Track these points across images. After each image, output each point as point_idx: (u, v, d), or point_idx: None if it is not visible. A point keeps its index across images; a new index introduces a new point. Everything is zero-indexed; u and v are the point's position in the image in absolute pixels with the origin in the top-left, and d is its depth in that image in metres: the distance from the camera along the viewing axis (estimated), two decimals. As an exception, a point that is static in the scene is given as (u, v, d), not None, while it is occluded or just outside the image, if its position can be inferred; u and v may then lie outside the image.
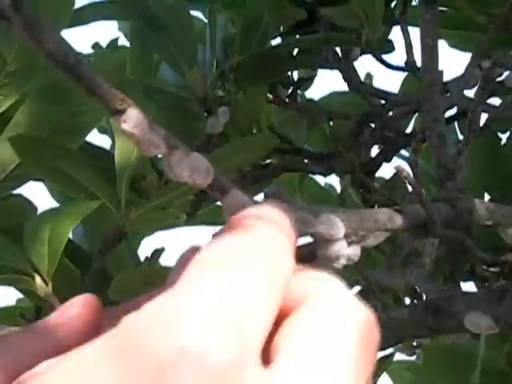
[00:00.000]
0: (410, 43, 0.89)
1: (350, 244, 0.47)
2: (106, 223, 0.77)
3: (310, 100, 1.09)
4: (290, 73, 1.06)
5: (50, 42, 0.38)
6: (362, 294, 0.82)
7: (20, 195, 0.76)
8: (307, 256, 0.49)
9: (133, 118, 0.40)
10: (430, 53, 0.55)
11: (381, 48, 0.92)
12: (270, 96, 1.04)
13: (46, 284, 0.56)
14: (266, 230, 0.28)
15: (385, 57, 0.94)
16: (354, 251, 0.47)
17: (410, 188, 0.63)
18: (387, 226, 0.49)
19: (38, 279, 0.56)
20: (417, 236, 0.73)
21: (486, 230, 0.68)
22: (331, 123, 1.09)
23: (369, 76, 1.11)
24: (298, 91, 1.07)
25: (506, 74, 0.90)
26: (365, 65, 1.05)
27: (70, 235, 0.84)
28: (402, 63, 0.93)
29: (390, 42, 0.93)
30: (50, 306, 0.54)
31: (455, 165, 0.55)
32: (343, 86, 1.01)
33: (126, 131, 0.40)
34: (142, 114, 0.40)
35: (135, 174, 0.80)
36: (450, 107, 0.77)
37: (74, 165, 0.70)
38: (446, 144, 0.55)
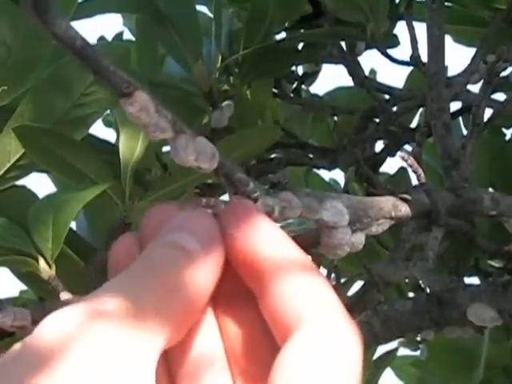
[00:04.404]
0: (415, 38, 0.89)
1: (354, 231, 0.47)
2: (111, 217, 0.77)
3: (315, 95, 1.09)
4: (294, 68, 1.06)
5: (57, 24, 0.38)
6: (366, 288, 0.82)
7: (24, 186, 0.76)
8: (311, 243, 0.49)
9: (139, 101, 0.40)
10: (436, 43, 0.55)
11: (386, 42, 0.92)
12: (275, 91, 1.04)
13: (50, 267, 0.56)
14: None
15: (390, 52, 0.94)
16: (358, 239, 0.47)
17: (414, 181, 0.63)
18: (392, 214, 0.49)
19: (41, 262, 0.57)
20: (421, 228, 0.73)
21: (490, 222, 0.68)
22: (336, 118, 1.09)
23: (372, 71, 1.11)
24: (303, 86, 1.07)
25: (510, 68, 0.90)
26: (369, 60, 1.05)
27: (74, 227, 0.84)
28: (406, 59, 0.93)
29: (395, 36, 0.93)
30: (54, 289, 0.54)
31: (460, 154, 0.55)
32: (348, 81, 1.01)
33: (132, 114, 0.40)
34: (149, 98, 0.40)
35: (140, 167, 0.80)
36: (455, 98, 0.77)
37: (79, 155, 0.70)
38: (451, 133, 0.55)
